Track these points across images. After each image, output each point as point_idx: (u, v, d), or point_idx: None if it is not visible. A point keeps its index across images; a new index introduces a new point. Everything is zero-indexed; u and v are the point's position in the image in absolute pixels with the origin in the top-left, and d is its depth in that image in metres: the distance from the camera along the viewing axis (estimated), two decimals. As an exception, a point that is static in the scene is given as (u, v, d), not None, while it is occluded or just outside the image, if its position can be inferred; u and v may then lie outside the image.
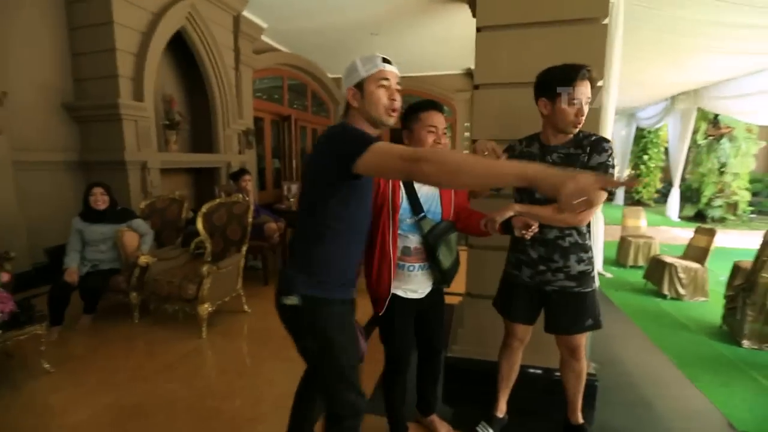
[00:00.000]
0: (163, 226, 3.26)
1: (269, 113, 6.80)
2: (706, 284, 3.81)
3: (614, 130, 9.60)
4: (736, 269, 3.14)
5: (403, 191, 1.42)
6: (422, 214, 1.42)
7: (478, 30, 1.77)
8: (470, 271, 2.03)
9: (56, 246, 3.00)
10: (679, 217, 8.61)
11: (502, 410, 1.76)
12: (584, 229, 1.46)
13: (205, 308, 2.62)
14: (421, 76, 8.72)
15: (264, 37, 6.10)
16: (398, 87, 1.13)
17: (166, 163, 4.08)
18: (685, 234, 4.26)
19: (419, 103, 1.46)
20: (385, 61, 1.11)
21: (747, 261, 3.07)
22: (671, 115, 7.84)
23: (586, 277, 1.47)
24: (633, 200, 10.74)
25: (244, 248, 2.94)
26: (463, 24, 5.15)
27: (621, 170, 10.66)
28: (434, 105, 1.45)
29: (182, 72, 4.76)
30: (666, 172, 9.55)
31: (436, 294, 1.56)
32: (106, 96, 3.57)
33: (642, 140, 10.68)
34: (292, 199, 4.33)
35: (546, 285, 1.50)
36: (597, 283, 1.52)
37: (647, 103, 8.62)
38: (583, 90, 1.32)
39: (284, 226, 3.80)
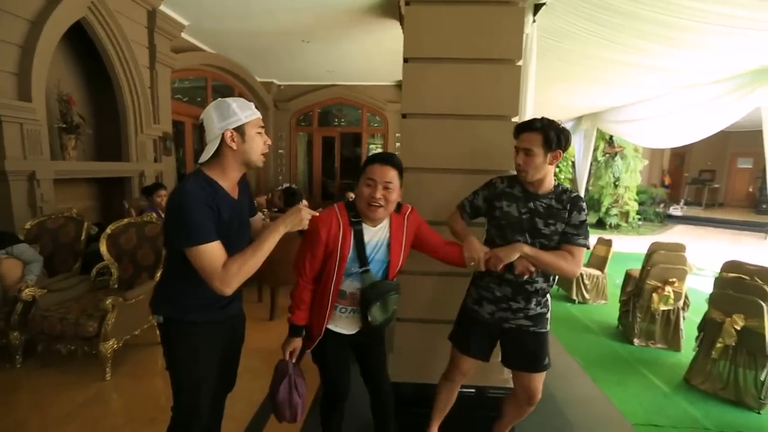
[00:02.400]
0: (55, 249, 2.81)
1: (191, 117, 6.31)
2: (606, 288, 4.32)
3: (530, 145, 10.50)
4: (628, 277, 3.60)
5: (353, 239, 1.40)
6: (366, 267, 1.41)
7: (406, 60, 1.81)
8: (401, 296, 2.05)
9: None
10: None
11: None
12: (551, 277, 1.53)
13: (110, 346, 2.28)
14: (353, 86, 8.76)
15: (185, 35, 5.66)
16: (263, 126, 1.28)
17: (62, 173, 3.54)
18: (591, 241, 4.78)
19: (369, 156, 1.47)
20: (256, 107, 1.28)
21: (637, 269, 3.53)
22: (577, 134, 8.80)
23: (542, 318, 1.55)
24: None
25: (158, 274, 2.65)
26: (393, 38, 5.26)
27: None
28: (382, 158, 1.40)
29: (85, 69, 4.21)
30: (574, 183, 10.67)
31: (374, 330, 1.52)
32: (-18, 94, 3.01)
33: (553, 155, 11.87)
34: None
35: (504, 322, 1.55)
36: (549, 326, 1.59)
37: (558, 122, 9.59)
38: (527, 140, 1.44)
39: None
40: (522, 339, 1.54)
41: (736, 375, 2.44)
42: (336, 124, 9.49)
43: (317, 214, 1.32)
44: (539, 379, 1.57)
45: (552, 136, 1.42)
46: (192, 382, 1.28)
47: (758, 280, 2.51)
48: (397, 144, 9.03)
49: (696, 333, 2.75)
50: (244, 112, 1.19)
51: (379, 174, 1.35)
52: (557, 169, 12.03)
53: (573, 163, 10.54)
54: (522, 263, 1.40)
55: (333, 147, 9.43)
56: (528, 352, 1.54)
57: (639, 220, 10.10)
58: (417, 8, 1.78)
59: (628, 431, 2.14)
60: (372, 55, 6.63)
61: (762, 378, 2.35)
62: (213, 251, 1.10)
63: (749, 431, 2.18)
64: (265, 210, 4.79)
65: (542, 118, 1.47)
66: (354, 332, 1.51)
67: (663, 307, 3.12)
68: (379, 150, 9.61)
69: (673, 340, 3.13)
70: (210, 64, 6.63)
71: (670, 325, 3.15)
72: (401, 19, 4.65)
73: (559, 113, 8.19)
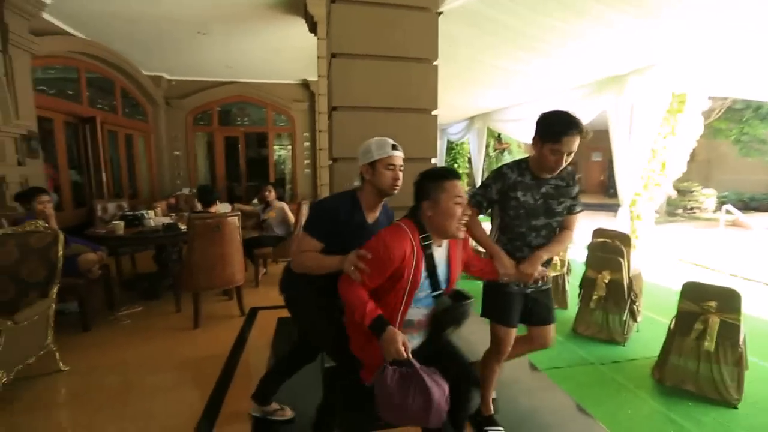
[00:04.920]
0: None
1: (62, 113, 5.39)
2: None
3: (432, 143, 11.31)
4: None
5: (424, 263, 1.34)
6: (439, 291, 1.37)
7: (334, 56, 1.89)
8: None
9: None
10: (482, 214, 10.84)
11: (491, 409, 1.91)
12: None
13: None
14: (256, 83, 8.39)
15: (48, 16, 4.83)
16: (401, 166, 1.50)
17: None
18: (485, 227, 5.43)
19: (438, 172, 1.39)
20: (393, 147, 1.47)
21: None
22: (471, 132, 9.78)
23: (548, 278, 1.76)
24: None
25: (53, 290, 2.27)
26: (299, 36, 5.21)
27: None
28: (455, 174, 1.40)
29: None
30: (470, 177, 11.80)
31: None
32: None
33: (452, 151, 12.94)
34: (115, 223, 3.48)
35: (527, 289, 1.72)
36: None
37: (455, 121, 10.52)
38: (569, 144, 1.47)
39: (107, 255, 3.10)
40: (541, 299, 1.76)
41: (607, 319, 3.06)
42: (239, 123, 8.97)
43: (363, 266, 1.27)
44: (554, 328, 1.81)
45: (584, 129, 1.49)
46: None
47: (617, 242, 3.18)
48: (306, 143, 8.92)
49: (578, 291, 3.36)
50: (378, 150, 1.46)
51: (462, 190, 1.36)
52: (455, 165, 13.18)
53: (469, 158, 11.67)
54: (541, 272, 1.60)
55: (237, 147, 8.89)
56: (546, 308, 1.77)
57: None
58: (343, 6, 1.87)
59: (539, 375, 2.55)
60: (276, 53, 6.45)
61: (624, 318, 2.99)
62: (309, 241, 1.44)
63: (618, 359, 2.78)
64: (173, 214, 4.37)
65: (573, 116, 1.51)
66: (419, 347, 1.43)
67: (552, 274, 3.72)
68: (287, 151, 9.38)
69: (561, 300, 3.76)
70: (82, 52, 5.74)
71: (559, 288, 3.77)
72: (307, 17, 4.67)
73: (456, 112, 9.02)
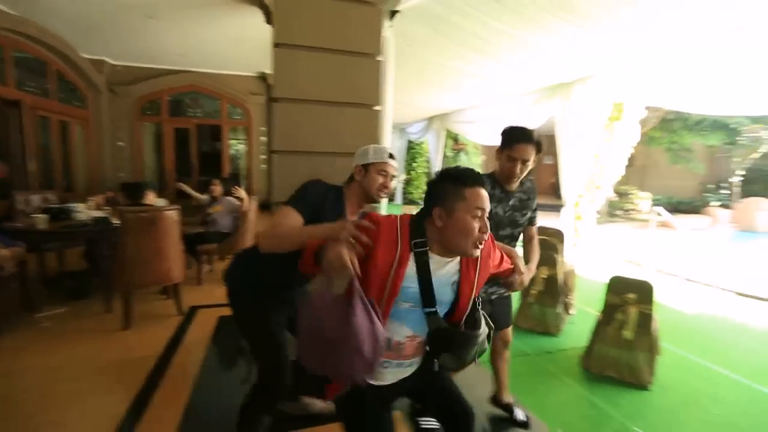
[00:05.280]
0: None
1: (-17, 95, 4.89)
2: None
3: (391, 141, 11.40)
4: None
5: (413, 269, 1.08)
6: (433, 308, 1.10)
7: (276, 45, 1.85)
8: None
9: None
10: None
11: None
12: None
13: None
14: (210, 74, 8.05)
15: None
16: (394, 175, 1.49)
17: None
18: None
19: (461, 173, 1.11)
20: (390, 156, 1.49)
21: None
22: (430, 132, 9.96)
23: None
24: (407, 199, 13.08)
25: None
26: (255, 27, 5.06)
27: (399, 174, 12.78)
28: (480, 180, 1.11)
29: None
30: (429, 177, 12.02)
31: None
32: None
33: (412, 151, 13.11)
34: (35, 216, 3.18)
35: (492, 296, 1.82)
36: None
37: (414, 120, 10.66)
38: (521, 152, 1.59)
39: (24, 251, 2.84)
40: (503, 304, 1.90)
41: (543, 313, 3.24)
42: (191, 114, 8.55)
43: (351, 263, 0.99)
44: (511, 329, 1.99)
45: (540, 144, 1.63)
46: None
47: (553, 239, 3.37)
48: (263, 138, 8.69)
49: (519, 286, 3.52)
50: (374, 155, 1.48)
51: (486, 199, 1.09)
52: (415, 164, 13.36)
53: (428, 158, 11.88)
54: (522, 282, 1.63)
55: (188, 140, 8.48)
56: (507, 312, 1.92)
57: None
58: (284, -5, 1.84)
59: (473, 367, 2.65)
60: (231, 43, 6.21)
61: (558, 311, 3.18)
62: (291, 213, 1.30)
63: (551, 350, 2.95)
64: (108, 208, 4.09)
65: (531, 130, 1.64)
66: (405, 378, 1.19)
67: (497, 270, 3.88)
68: (243, 146, 9.08)
69: (504, 295, 3.93)
70: (9, 29, 5.22)
71: (502, 284, 3.94)
72: (263, 7, 4.55)
73: (415, 112, 9.15)
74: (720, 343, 3.28)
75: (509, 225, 1.77)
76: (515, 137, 1.62)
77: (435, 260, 1.10)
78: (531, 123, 6.02)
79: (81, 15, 5.24)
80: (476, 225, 1.06)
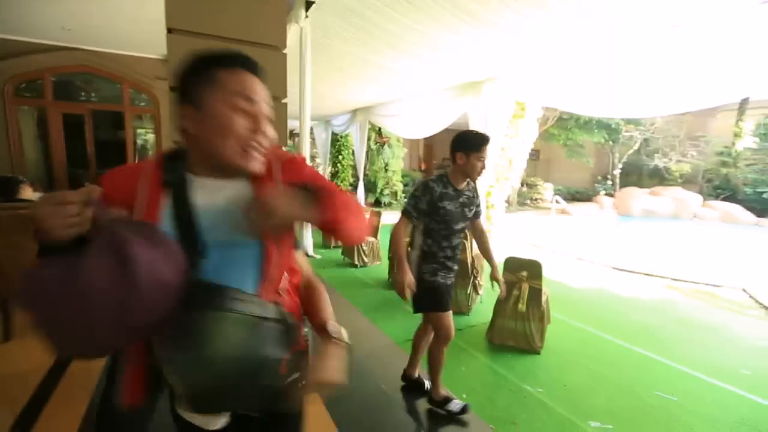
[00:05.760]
0: None
1: None
2: (380, 252, 5.26)
3: (316, 134, 11.25)
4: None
5: (170, 199, 0.74)
6: (200, 258, 0.71)
7: (169, 31, 1.74)
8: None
9: None
10: (365, 203, 11.22)
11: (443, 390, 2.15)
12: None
13: None
14: (109, 54, 7.18)
15: None
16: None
17: None
18: (368, 217, 5.78)
19: (214, 54, 0.74)
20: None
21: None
22: (354, 125, 10.02)
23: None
24: (335, 192, 13.07)
25: None
26: (156, 6, 4.64)
27: (324, 167, 12.66)
28: (250, 62, 0.76)
29: None
30: (354, 169, 12.11)
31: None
32: None
33: (337, 143, 13.07)
34: None
35: (448, 281, 2.04)
36: None
37: (338, 113, 10.62)
38: (487, 152, 1.90)
39: None
40: (451, 289, 2.08)
41: (456, 294, 3.51)
42: (84, 98, 7.54)
43: None
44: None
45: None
46: None
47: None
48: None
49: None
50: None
51: (252, 87, 0.75)
52: (340, 156, 13.35)
53: (353, 150, 11.96)
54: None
55: (82, 128, 7.48)
56: (451, 296, 2.10)
57: (405, 198, 12.48)
58: (179, -24, 1.73)
59: (391, 346, 2.83)
60: (129, 22, 5.60)
61: (468, 292, 3.48)
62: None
63: (461, 327, 3.23)
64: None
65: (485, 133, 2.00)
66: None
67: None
68: (150, 136, 8.28)
69: (422, 280, 4.18)
70: None
71: (420, 270, 4.18)
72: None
73: (339, 105, 9.12)
74: (598, 311, 3.87)
75: (461, 219, 1.99)
76: (483, 141, 1.90)
77: (204, 185, 0.76)
78: (448, 117, 6.40)
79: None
80: (241, 121, 0.72)
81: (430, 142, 18.02)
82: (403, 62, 4.80)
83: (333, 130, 11.97)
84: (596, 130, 12.51)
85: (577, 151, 13.61)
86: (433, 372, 2.13)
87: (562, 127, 12.65)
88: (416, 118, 7.22)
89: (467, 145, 1.90)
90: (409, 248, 2.12)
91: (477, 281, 3.57)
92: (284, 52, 1.94)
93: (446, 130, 7.28)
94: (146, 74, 7.57)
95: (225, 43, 1.79)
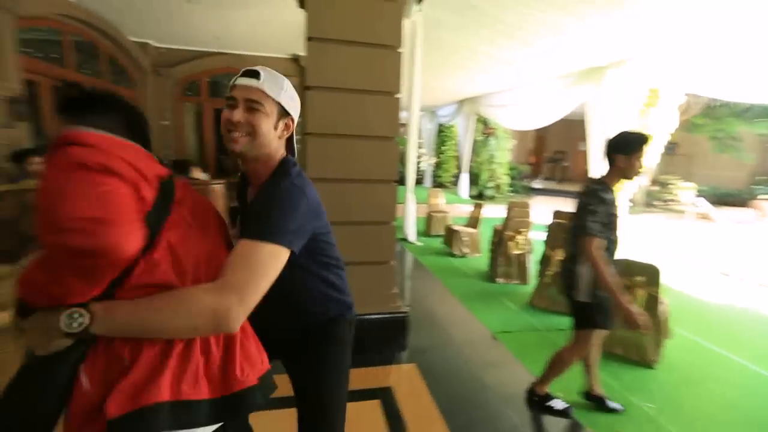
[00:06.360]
0: None
1: (48, 77, 5.40)
2: (479, 244, 5.23)
3: (422, 124, 11.43)
4: (494, 231, 4.45)
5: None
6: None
7: (309, 39, 2.04)
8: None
9: None
10: (470, 196, 11.08)
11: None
12: None
13: (4, 317, 2.09)
14: (247, 55, 8.36)
15: (31, -23, 4.79)
16: (255, 101, 0.90)
17: None
18: (471, 209, 5.76)
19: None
20: (244, 74, 0.96)
21: (501, 225, 4.40)
22: (460, 115, 9.93)
23: None
24: (436, 183, 13.13)
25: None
26: (289, 10, 5.24)
27: (429, 157, 12.81)
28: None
29: None
30: (458, 160, 12.00)
31: None
32: None
33: (441, 134, 13.08)
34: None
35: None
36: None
37: (445, 103, 10.63)
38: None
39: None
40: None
41: (559, 294, 3.35)
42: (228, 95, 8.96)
43: None
44: None
45: None
46: None
47: (570, 222, 3.44)
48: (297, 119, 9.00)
49: (537, 269, 3.64)
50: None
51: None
52: (444, 147, 13.29)
53: (458, 142, 11.84)
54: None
55: (226, 120, 8.92)
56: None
57: (510, 192, 11.92)
58: (317, -6, 2.02)
59: (487, 335, 2.87)
60: (265, 25, 6.44)
61: (573, 293, 3.29)
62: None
63: (565, 327, 3.08)
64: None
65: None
66: None
67: (515, 251, 4.01)
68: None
69: (522, 276, 4.06)
70: (68, 15, 5.69)
71: (521, 265, 4.06)
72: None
73: (446, 95, 9.14)
74: (736, 332, 3.28)
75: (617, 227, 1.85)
76: (644, 141, 1.77)
77: None
78: (562, 108, 5.94)
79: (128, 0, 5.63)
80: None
81: (542, 134, 16.79)
82: (516, 51, 4.63)
83: (439, 121, 12.02)
84: (762, 120, 10.15)
85: (730, 145, 11.23)
86: (552, 371, 2.02)
87: (710, 116, 10.58)
88: (527, 109, 6.85)
89: (630, 146, 1.77)
90: (569, 262, 1.92)
91: (584, 283, 3.34)
92: (399, 51, 2.11)
93: (562, 121, 6.75)
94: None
95: (352, 46, 2.04)
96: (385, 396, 2.11)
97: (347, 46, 2.06)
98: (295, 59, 8.43)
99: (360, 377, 2.28)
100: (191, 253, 0.77)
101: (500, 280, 4.12)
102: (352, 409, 2.03)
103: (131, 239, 0.67)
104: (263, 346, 0.88)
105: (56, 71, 5.60)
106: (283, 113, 0.94)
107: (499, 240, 4.17)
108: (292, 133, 0.99)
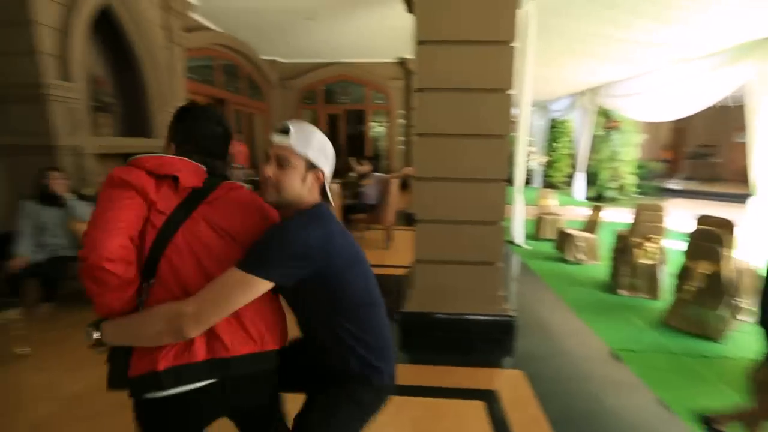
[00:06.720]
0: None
1: (203, 96, 6.58)
2: (597, 250, 4.70)
3: (533, 120, 10.73)
4: (617, 237, 3.96)
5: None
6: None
7: (420, 43, 2.12)
8: (419, 242, 2.40)
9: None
10: (587, 198, 10.00)
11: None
12: None
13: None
14: (357, 63, 8.94)
15: (194, 15, 5.87)
16: (284, 157, 0.97)
17: (103, 148, 3.89)
18: (587, 211, 5.24)
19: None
20: (278, 130, 1.00)
21: (627, 230, 3.90)
22: (576, 109, 9.04)
23: None
24: (547, 183, 12.14)
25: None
26: (396, 15, 5.45)
27: (539, 155, 11.96)
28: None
29: (108, 51, 4.47)
30: (573, 158, 10.92)
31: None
32: (26, 74, 3.31)
33: (554, 130, 12.05)
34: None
35: None
36: None
37: (558, 96, 9.79)
38: None
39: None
40: None
41: (701, 314, 2.84)
42: (341, 101, 9.72)
43: None
44: None
45: None
46: None
47: (718, 229, 2.86)
48: (401, 121, 9.32)
49: (673, 283, 3.14)
50: None
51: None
52: (557, 144, 12.24)
53: (572, 138, 10.78)
54: None
55: (337, 124, 9.69)
56: None
57: (638, 193, 10.37)
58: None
59: (605, 352, 2.58)
60: (374, 33, 6.82)
61: (720, 314, 2.75)
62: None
63: (709, 354, 2.60)
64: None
65: None
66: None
67: (644, 261, 3.50)
68: (383, 127, 9.86)
69: (652, 290, 3.53)
70: (218, 43, 6.84)
71: (651, 277, 3.54)
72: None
73: (559, 88, 8.42)
74: None
75: None
76: None
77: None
78: (713, 93, 4.97)
79: (261, 24, 6.51)
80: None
81: (681, 125, 14.22)
82: (650, 30, 4.03)
83: (551, 116, 11.15)
84: None
85: None
86: (747, 414, 1.69)
87: None
88: (663, 97, 5.91)
89: None
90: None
91: (737, 302, 2.77)
92: (512, 45, 2.04)
93: (710, 109, 5.65)
94: (382, 76, 9.06)
95: (462, 46, 2.05)
96: (489, 399, 2.07)
97: (457, 46, 2.07)
98: (401, 62, 8.73)
99: (464, 376, 2.29)
100: (191, 273, 0.92)
101: (623, 292, 3.65)
102: (455, 407, 2.07)
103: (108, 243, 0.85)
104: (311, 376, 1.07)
105: (209, 90, 6.79)
106: (311, 166, 1.00)
107: (624, 247, 3.70)
108: (323, 182, 1.04)
